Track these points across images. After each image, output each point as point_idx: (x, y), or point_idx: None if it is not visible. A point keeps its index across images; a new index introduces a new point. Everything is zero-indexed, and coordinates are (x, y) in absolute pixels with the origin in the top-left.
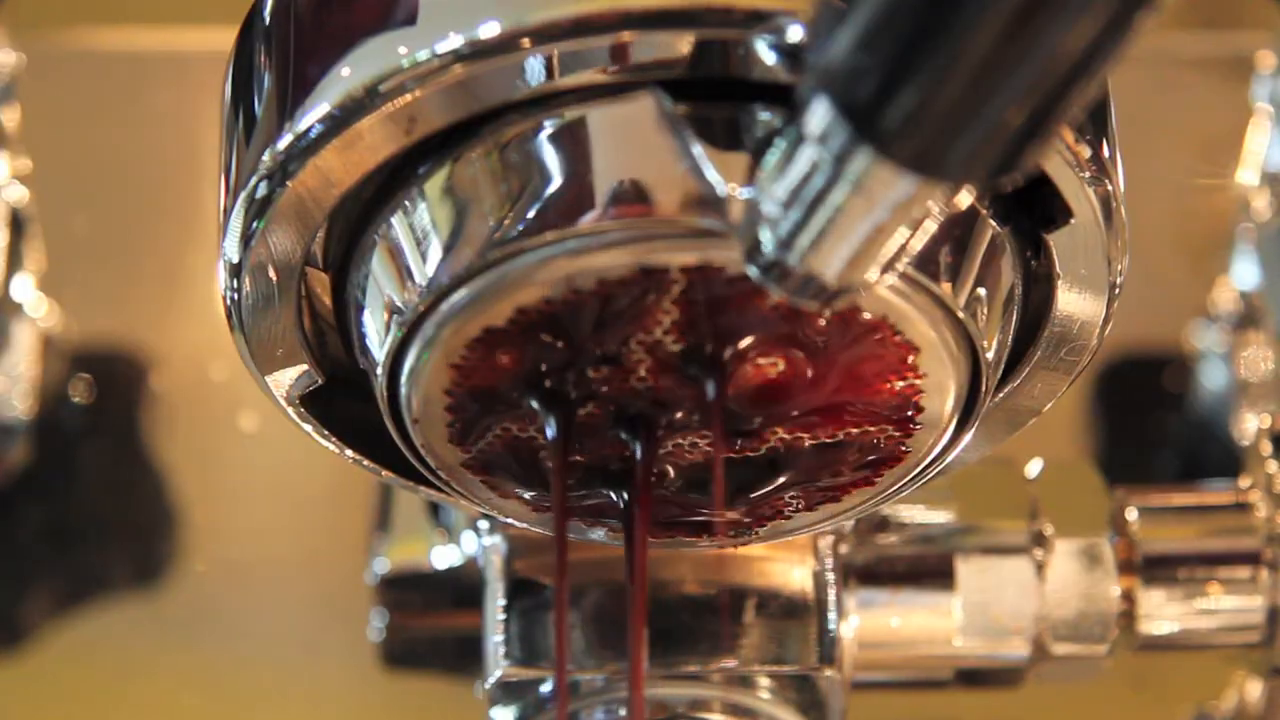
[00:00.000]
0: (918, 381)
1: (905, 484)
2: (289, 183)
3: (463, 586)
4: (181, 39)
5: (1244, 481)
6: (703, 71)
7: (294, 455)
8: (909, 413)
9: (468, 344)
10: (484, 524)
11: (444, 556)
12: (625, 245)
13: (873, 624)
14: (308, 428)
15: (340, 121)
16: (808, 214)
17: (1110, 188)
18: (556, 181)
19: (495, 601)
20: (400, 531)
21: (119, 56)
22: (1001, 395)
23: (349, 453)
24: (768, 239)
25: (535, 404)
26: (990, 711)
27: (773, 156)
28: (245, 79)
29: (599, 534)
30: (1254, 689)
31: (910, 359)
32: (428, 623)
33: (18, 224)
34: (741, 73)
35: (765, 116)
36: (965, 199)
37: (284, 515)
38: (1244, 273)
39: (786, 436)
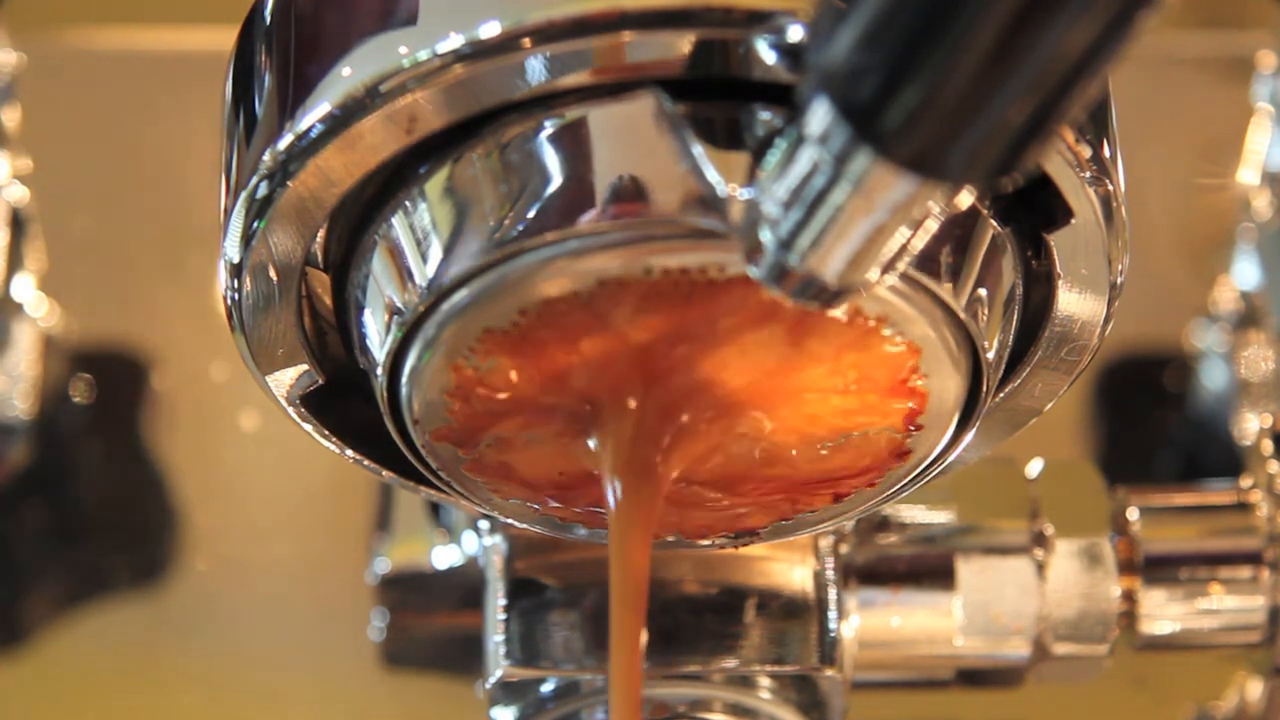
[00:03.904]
0: (919, 382)
1: (906, 484)
2: (289, 183)
3: (463, 586)
4: (181, 39)
5: (1245, 481)
6: (703, 71)
7: (294, 455)
8: (910, 413)
9: (470, 345)
10: (484, 524)
11: (444, 556)
12: (625, 245)
13: (873, 624)
14: (308, 428)
15: (341, 121)
16: (808, 214)
17: (1111, 187)
18: (557, 182)
19: (496, 601)
20: (401, 531)
21: (119, 56)
22: (1002, 395)
23: (349, 453)
24: (768, 239)
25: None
26: (991, 711)
27: (773, 157)
28: (245, 79)
29: (601, 533)
30: (1255, 689)
31: (911, 359)
32: (428, 623)
33: (18, 224)
34: (742, 73)
35: (766, 116)
36: (966, 199)
37: (284, 515)
38: (1245, 272)
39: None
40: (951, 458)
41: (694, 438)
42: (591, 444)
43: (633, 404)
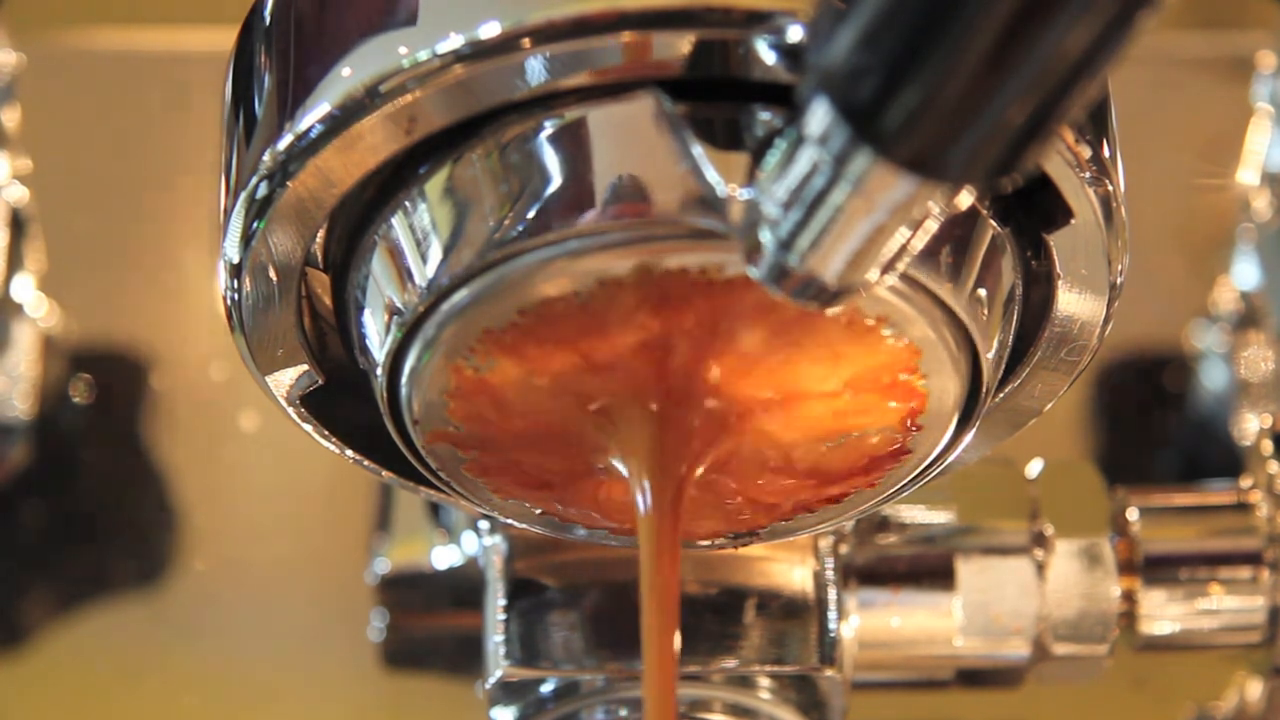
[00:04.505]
0: (919, 382)
1: (906, 484)
2: (289, 183)
3: (463, 586)
4: (181, 39)
5: (1245, 481)
6: (703, 71)
7: (294, 455)
8: (909, 413)
9: (470, 346)
10: (484, 524)
11: (444, 556)
12: (625, 246)
13: (873, 624)
14: (308, 428)
15: (340, 121)
16: (808, 215)
17: (1110, 188)
18: (556, 182)
19: (496, 602)
20: (400, 531)
21: (119, 56)
22: (1002, 395)
23: (349, 453)
24: (768, 239)
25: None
26: (990, 711)
27: (773, 157)
28: (245, 79)
29: (600, 533)
30: (1254, 689)
31: (911, 360)
32: (428, 623)
33: (18, 224)
34: (741, 73)
35: (765, 117)
36: (965, 199)
37: (284, 515)
38: (1244, 273)
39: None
40: (951, 458)
41: (702, 441)
42: (607, 452)
43: (640, 408)
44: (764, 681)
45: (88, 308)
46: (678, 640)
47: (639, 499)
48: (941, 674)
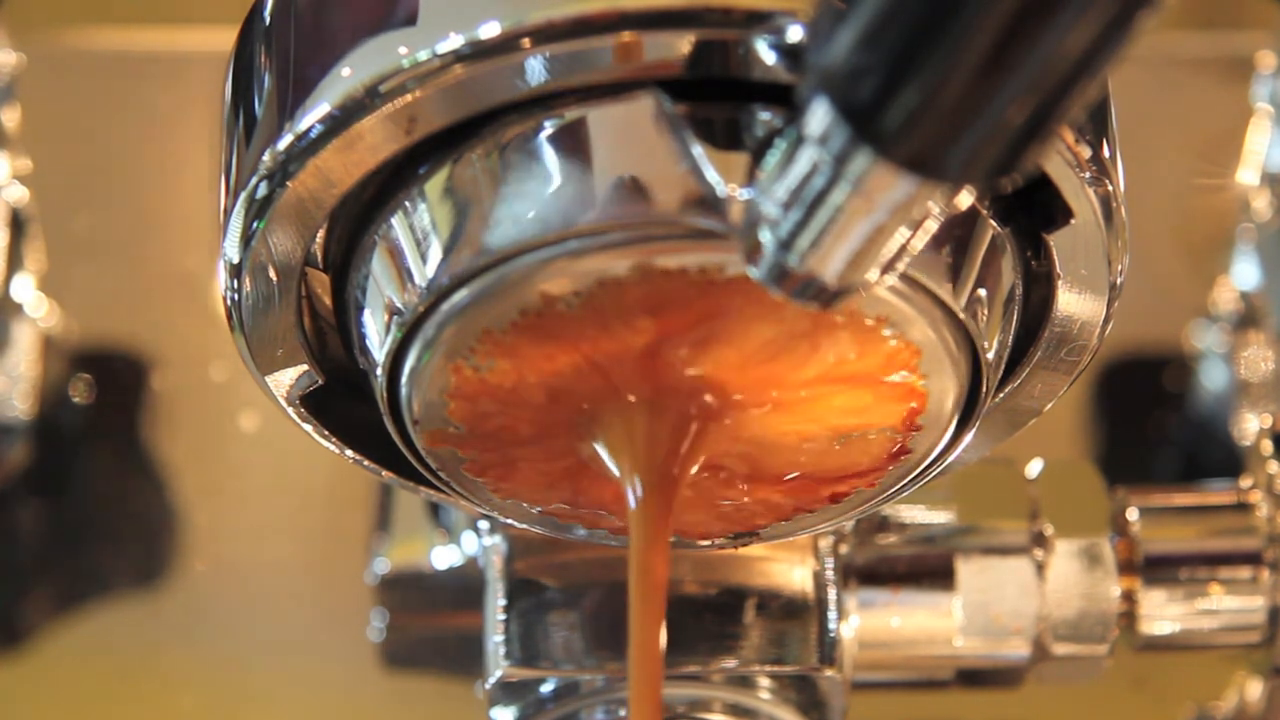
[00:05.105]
0: (919, 382)
1: (906, 484)
2: (289, 183)
3: (463, 586)
4: (181, 39)
5: (1245, 481)
6: (703, 71)
7: (294, 455)
8: (909, 413)
9: (470, 346)
10: (484, 524)
11: (444, 557)
12: (625, 246)
13: (873, 624)
14: (308, 428)
15: (340, 121)
16: (808, 215)
17: (1110, 188)
18: (556, 182)
19: (495, 602)
20: (400, 531)
21: (119, 56)
22: (1002, 395)
23: (349, 453)
24: (768, 240)
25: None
26: (990, 711)
27: (773, 157)
28: (245, 79)
29: (600, 533)
30: (1254, 689)
31: (911, 360)
32: (428, 623)
33: (18, 224)
34: (741, 73)
35: (765, 117)
36: (965, 199)
37: (284, 515)
38: (1244, 273)
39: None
40: (951, 458)
41: (703, 439)
42: (599, 447)
43: (641, 407)
44: (764, 681)
45: (88, 308)
46: (663, 639)
47: (631, 497)
48: (941, 674)
